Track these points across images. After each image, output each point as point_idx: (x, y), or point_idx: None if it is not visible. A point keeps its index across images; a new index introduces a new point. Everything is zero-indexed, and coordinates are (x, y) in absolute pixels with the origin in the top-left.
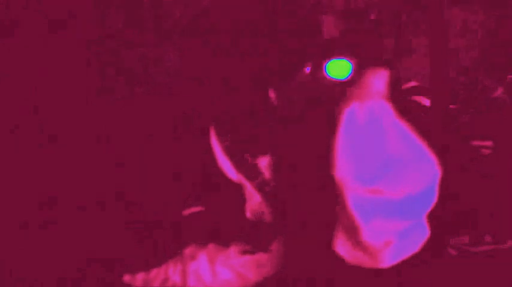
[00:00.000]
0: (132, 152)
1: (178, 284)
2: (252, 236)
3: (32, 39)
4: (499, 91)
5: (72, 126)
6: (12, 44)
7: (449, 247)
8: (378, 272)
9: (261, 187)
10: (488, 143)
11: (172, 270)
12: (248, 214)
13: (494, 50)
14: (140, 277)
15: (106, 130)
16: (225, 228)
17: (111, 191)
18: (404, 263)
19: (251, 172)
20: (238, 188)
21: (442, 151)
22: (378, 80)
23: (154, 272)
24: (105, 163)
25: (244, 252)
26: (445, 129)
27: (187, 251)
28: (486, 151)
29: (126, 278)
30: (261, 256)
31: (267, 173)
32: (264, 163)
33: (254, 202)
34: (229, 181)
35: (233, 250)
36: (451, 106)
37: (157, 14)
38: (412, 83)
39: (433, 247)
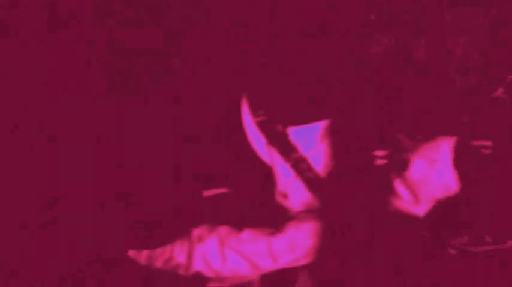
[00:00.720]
0: (135, 152)
1: (183, 265)
2: (276, 220)
3: (32, 39)
4: (499, 91)
5: (73, 126)
6: (12, 44)
7: (449, 247)
8: (380, 272)
9: (295, 164)
10: (488, 143)
11: (178, 250)
12: (277, 196)
13: (494, 50)
14: (145, 253)
15: (107, 130)
16: (246, 211)
17: (112, 191)
18: (404, 263)
19: (286, 147)
20: (267, 169)
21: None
22: (445, 145)
23: (159, 250)
24: (106, 163)
25: (259, 237)
26: (446, 129)
27: (196, 232)
28: (486, 151)
29: (131, 253)
30: (276, 245)
31: (302, 150)
32: (298, 137)
33: (284, 183)
34: (256, 162)
35: (246, 234)
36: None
37: (161, 13)
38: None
39: (433, 247)
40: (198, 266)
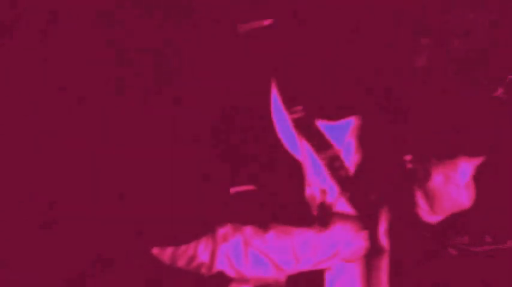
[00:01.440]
0: (135, 153)
1: (205, 264)
2: (304, 220)
3: (32, 40)
4: (499, 91)
5: (72, 126)
6: (12, 44)
7: (449, 247)
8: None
9: (330, 162)
10: (488, 143)
11: (202, 248)
12: (307, 193)
13: (494, 50)
14: (169, 251)
15: (107, 130)
16: (273, 209)
17: (112, 191)
18: (404, 263)
19: (321, 144)
20: (297, 166)
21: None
22: (465, 165)
23: (183, 248)
24: (106, 163)
25: (283, 238)
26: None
27: (221, 231)
28: (486, 151)
29: (155, 250)
30: (300, 247)
31: (337, 148)
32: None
33: (316, 180)
34: (286, 159)
35: (271, 235)
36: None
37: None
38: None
39: (433, 247)
40: (220, 265)
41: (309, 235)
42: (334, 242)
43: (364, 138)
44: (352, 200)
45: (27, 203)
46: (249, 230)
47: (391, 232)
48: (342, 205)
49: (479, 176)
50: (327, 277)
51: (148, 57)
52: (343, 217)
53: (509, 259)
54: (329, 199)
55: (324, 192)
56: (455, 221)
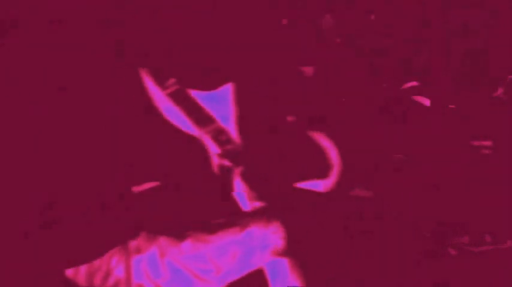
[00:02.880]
0: (134, 152)
1: (122, 280)
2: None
3: (33, 40)
4: (499, 91)
5: (71, 126)
6: (12, 44)
7: (449, 247)
8: (380, 272)
9: (215, 136)
10: (488, 143)
11: (115, 262)
12: (215, 169)
13: (494, 50)
14: (83, 270)
15: (106, 130)
16: (186, 205)
17: (112, 191)
18: (404, 263)
19: (202, 117)
20: (197, 145)
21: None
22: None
23: (97, 263)
24: (106, 163)
25: (199, 247)
26: (445, 129)
27: (134, 243)
28: (486, 151)
29: (69, 273)
30: (216, 256)
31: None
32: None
33: (215, 153)
34: (182, 140)
35: (186, 244)
36: (450, 106)
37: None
38: (412, 83)
39: (433, 247)
40: (138, 279)
41: (225, 241)
42: (252, 247)
43: (247, 107)
44: (245, 177)
45: (27, 203)
46: (163, 240)
47: (391, 232)
48: (237, 182)
49: (479, 176)
50: (268, 273)
51: (148, 57)
52: (258, 218)
53: (509, 259)
54: (227, 163)
55: (220, 156)
56: (455, 221)
